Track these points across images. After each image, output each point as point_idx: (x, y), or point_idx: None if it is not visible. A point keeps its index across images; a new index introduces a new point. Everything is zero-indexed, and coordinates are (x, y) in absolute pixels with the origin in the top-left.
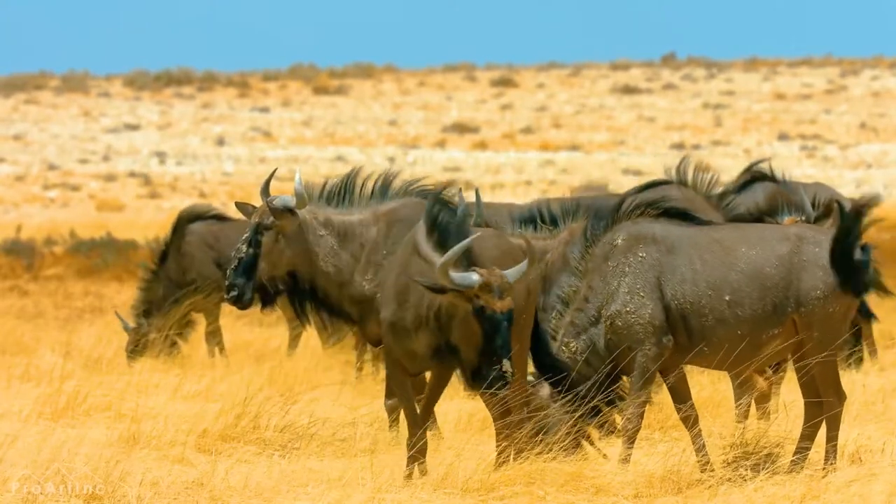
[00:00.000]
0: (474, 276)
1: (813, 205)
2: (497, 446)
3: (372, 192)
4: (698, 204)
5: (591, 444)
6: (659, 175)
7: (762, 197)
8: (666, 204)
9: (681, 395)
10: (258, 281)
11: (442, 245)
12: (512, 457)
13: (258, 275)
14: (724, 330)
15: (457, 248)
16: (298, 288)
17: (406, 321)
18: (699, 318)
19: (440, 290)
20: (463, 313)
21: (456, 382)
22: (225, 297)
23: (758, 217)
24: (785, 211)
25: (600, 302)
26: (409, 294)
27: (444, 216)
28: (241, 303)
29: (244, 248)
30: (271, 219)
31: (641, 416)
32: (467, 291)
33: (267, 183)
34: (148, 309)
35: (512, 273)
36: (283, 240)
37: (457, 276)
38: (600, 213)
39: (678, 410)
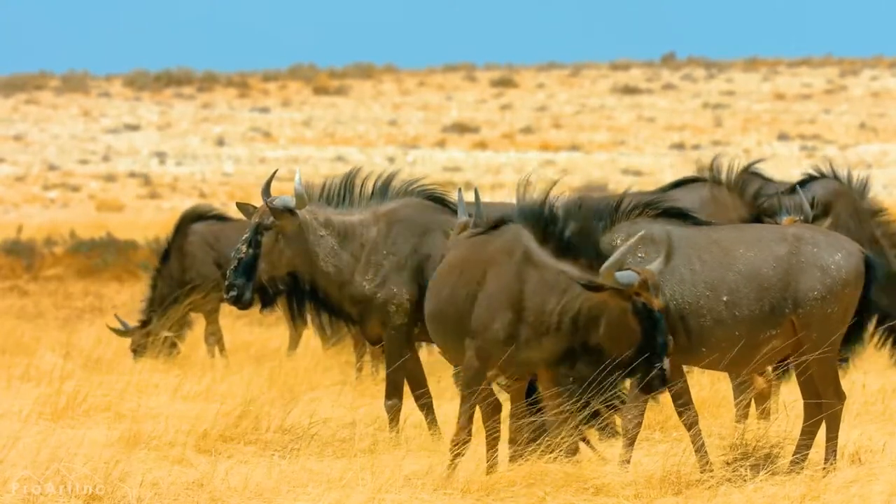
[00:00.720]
0: (634, 275)
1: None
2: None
3: (372, 193)
4: (729, 202)
5: (589, 445)
6: (658, 175)
7: (821, 193)
8: (664, 204)
9: (681, 396)
10: (258, 281)
11: (568, 250)
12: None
13: (258, 275)
14: (721, 331)
15: (623, 250)
16: (298, 288)
17: (525, 331)
18: (697, 318)
19: (597, 289)
20: (617, 313)
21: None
22: (224, 297)
23: (757, 217)
24: (784, 211)
25: None
26: (526, 303)
27: (559, 225)
28: (240, 303)
29: (244, 248)
30: (271, 219)
31: (642, 417)
32: (628, 290)
33: (268, 183)
34: (154, 307)
35: (654, 268)
36: (283, 240)
37: (621, 275)
38: (599, 214)
39: (678, 412)
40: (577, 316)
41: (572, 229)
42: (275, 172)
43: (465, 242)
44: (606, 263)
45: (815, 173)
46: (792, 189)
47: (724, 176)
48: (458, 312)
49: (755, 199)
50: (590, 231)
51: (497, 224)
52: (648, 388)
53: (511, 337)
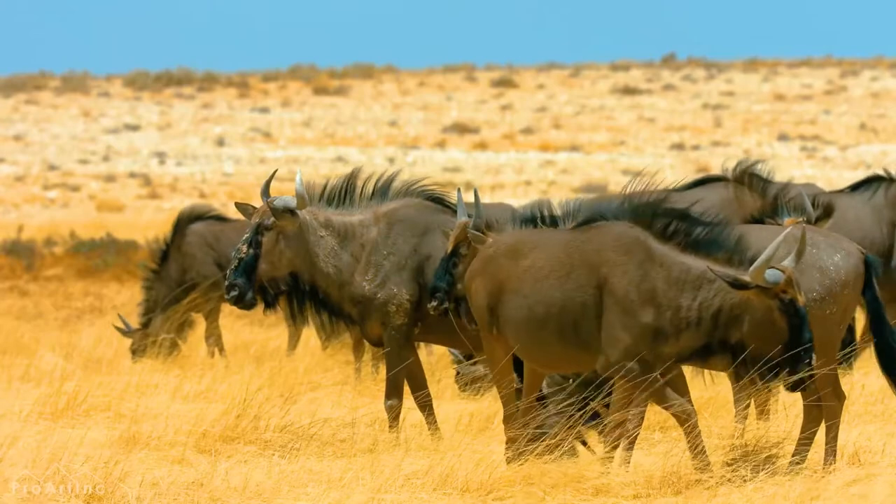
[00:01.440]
0: (780, 273)
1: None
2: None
3: (372, 193)
4: (751, 201)
5: (586, 445)
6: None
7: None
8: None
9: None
10: (259, 281)
11: (696, 247)
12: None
13: (259, 275)
14: None
15: (771, 249)
16: (299, 288)
17: (663, 326)
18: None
19: (744, 287)
20: (762, 311)
21: (455, 384)
22: (226, 297)
23: (758, 219)
24: (785, 212)
25: None
26: (660, 299)
27: (680, 222)
28: (242, 303)
29: (244, 248)
30: (272, 219)
31: (642, 418)
32: (774, 287)
33: (267, 184)
34: (152, 308)
35: (788, 264)
36: (283, 240)
37: (769, 273)
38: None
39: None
40: (719, 313)
41: (700, 226)
42: (274, 173)
43: (546, 246)
44: (756, 263)
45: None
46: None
47: (746, 175)
48: (572, 318)
49: (777, 199)
50: (719, 228)
51: (585, 222)
52: (796, 386)
53: (658, 332)
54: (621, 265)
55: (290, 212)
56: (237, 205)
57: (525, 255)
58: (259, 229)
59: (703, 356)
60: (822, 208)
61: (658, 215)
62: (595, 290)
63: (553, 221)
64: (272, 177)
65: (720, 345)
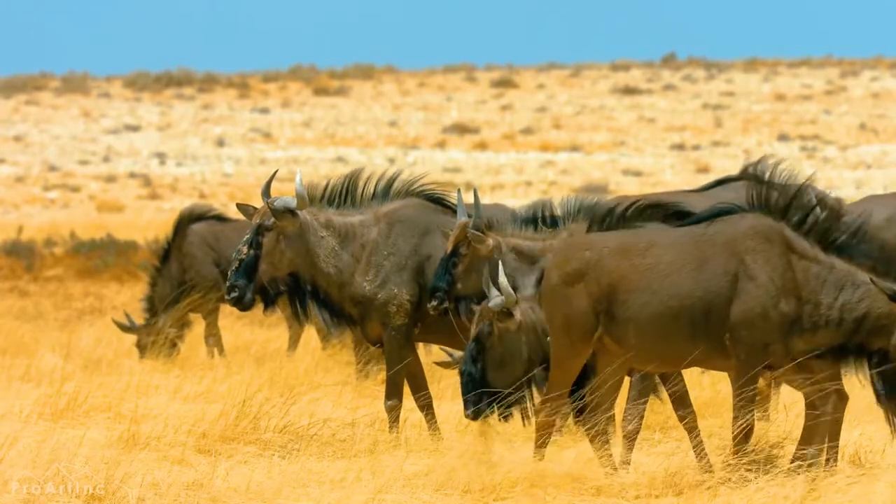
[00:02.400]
0: None
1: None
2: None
3: (374, 194)
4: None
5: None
6: (659, 176)
7: None
8: (673, 206)
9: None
10: (259, 282)
11: (842, 250)
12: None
13: (259, 276)
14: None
15: None
16: (300, 289)
17: (801, 319)
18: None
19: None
20: None
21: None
22: (226, 298)
23: None
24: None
25: None
26: (801, 291)
27: (821, 220)
28: (241, 304)
29: (245, 249)
30: (272, 220)
31: (641, 416)
32: None
33: (268, 184)
34: (155, 307)
35: None
36: (283, 241)
37: None
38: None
39: (678, 416)
40: (863, 319)
41: (839, 229)
42: (275, 173)
43: (666, 242)
44: None
45: None
46: None
47: (767, 175)
48: (705, 308)
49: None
50: (861, 233)
51: (711, 216)
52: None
53: (792, 323)
54: (763, 252)
55: (291, 212)
56: (238, 205)
57: (642, 253)
58: (259, 230)
59: (836, 357)
60: (829, 210)
61: (792, 208)
62: (732, 277)
63: (553, 221)
64: (273, 177)
65: (857, 349)
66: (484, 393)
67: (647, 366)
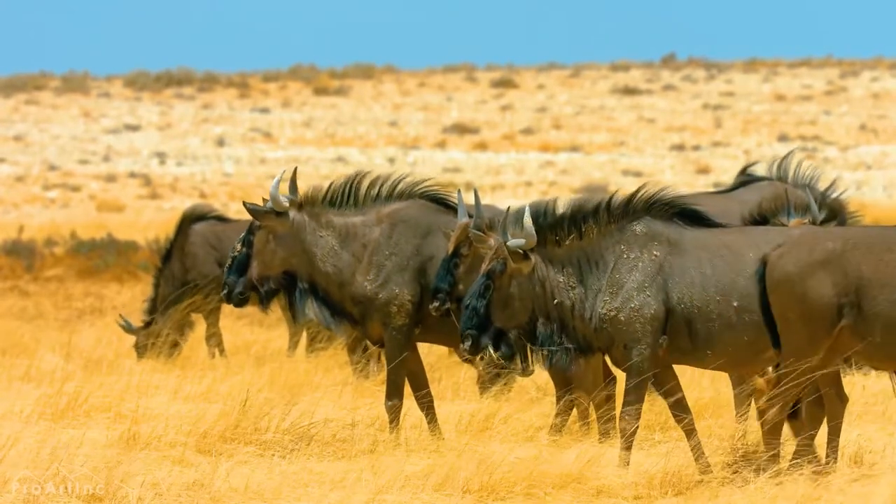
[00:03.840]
0: None
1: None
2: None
3: (377, 195)
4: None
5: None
6: (659, 176)
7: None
8: (679, 204)
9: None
10: (251, 280)
11: None
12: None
13: (250, 274)
14: (730, 334)
15: None
16: (295, 287)
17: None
18: (706, 322)
19: None
20: None
21: (455, 384)
22: (221, 294)
23: (763, 219)
24: (791, 213)
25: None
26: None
27: None
28: (231, 299)
29: (238, 247)
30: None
31: (638, 415)
32: None
33: (276, 185)
34: (157, 308)
35: None
36: (274, 240)
37: None
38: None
39: (675, 418)
40: None
41: None
42: (282, 173)
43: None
44: None
45: None
46: None
47: (791, 176)
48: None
49: (822, 201)
50: None
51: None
52: None
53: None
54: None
55: (275, 213)
56: (245, 204)
57: (889, 249)
58: (251, 229)
59: None
60: (828, 209)
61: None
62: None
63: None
64: (279, 178)
65: None
66: (484, 329)
67: (883, 363)
